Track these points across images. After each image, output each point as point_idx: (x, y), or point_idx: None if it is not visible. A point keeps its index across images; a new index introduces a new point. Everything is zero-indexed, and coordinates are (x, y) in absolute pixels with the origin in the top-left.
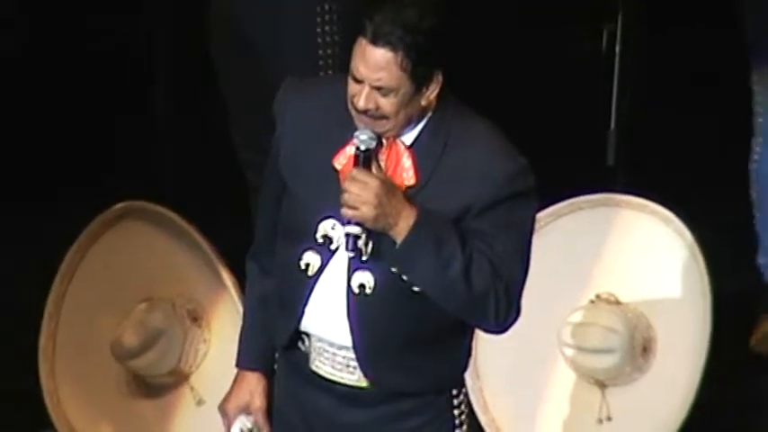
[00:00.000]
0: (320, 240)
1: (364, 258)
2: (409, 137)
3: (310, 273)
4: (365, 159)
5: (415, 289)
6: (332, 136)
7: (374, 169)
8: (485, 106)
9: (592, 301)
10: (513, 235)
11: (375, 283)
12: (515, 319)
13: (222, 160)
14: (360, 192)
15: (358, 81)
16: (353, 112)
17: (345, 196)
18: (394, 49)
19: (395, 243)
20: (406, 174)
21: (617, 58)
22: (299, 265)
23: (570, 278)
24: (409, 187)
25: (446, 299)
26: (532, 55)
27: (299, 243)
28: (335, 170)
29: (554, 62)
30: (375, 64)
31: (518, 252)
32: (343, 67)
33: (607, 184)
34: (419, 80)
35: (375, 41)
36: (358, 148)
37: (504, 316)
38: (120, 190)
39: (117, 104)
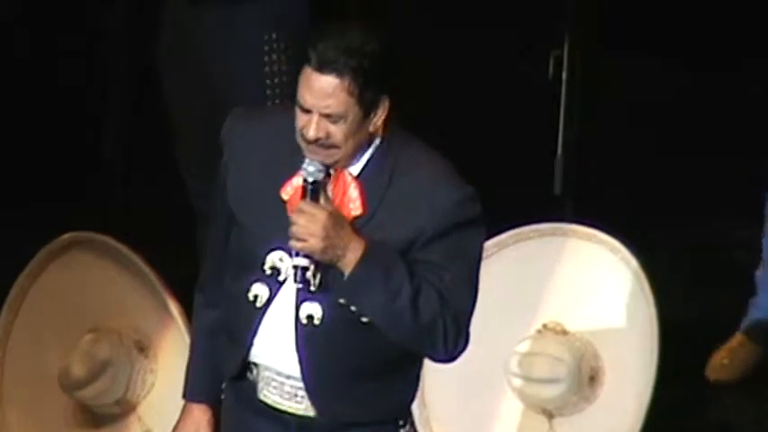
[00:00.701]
0: (268, 272)
1: (312, 290)
2: (356, 167)
3: (258, 304)
4: (313, 191)
5: (364, 320)
6: (279, 166)
7: (322, 201)
8: (429, 132)
9: (539, 331)
10: (461, 264)
11: (323, 315)
12: (464, 348)
13: (170, 189)
14: (307, 224)
15: (306, 111)
16: (302, 143)
17: (293, 228)
18: (340, 74)
19: (343, 275)
20: (354, 204)
21: (563, 84)
22: (248, 297)
23: (517, 307)
24: (356, 218)
25: (394, 329)
26: (477, 80)
27: (248, 274)
28: (283, 201)
29: (500, 87)
30: (322, 91)
31: (466, 281)
32: (290, 96)
33: (554, 213)
34: (367, 105)
35: (320, 68)
36: (306, 180)
37: (452, 345)
38: (64, 218)
39: (61, 126)
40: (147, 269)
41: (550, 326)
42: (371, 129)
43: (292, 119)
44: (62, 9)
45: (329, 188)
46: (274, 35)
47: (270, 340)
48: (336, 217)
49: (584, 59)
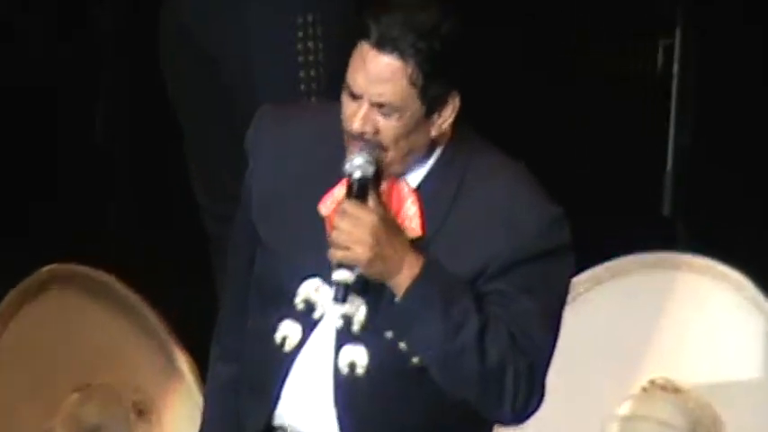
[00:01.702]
0: (301, 307)
1: (355, 328)
2: (415, 177)
3: (288, 348)
4: (360, 189)
5: (415, 361)
6: (317, 176)
7: (371, 202)
8: (511, 141)
9: (644, 388)
10: (540, 301)
11: (369, 361)
12: (537, 407)
13: (175, 209)
14: (352, 228)
15: (355, 97)
16: (347, 138)
17: (334, 234)
18: (403, 56)
19: (392, 299)
20: (410, 222)
21: (674, 79)
22: (275, 339)
23: (617, 359)
24: (413, 240)
25: (452, 375)
26: (563, 77)
27: (275, 310)
28: (322, 217)
29: (594, 86)
30: (378, 74)
31: (545, 322)
32: (329, 93)
33: (662, 240)
34: (431, 101)
35: (380, 46)
36: (351, 175)
37: (523, 401)
38: (42, 250)
39: (42, 133)
40: (147, 311)
41: (658, 382)
42: (434, 133)
43: (334, 117)
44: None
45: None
46: (310, 17)
47: (301, 394)
48: (389, 223)
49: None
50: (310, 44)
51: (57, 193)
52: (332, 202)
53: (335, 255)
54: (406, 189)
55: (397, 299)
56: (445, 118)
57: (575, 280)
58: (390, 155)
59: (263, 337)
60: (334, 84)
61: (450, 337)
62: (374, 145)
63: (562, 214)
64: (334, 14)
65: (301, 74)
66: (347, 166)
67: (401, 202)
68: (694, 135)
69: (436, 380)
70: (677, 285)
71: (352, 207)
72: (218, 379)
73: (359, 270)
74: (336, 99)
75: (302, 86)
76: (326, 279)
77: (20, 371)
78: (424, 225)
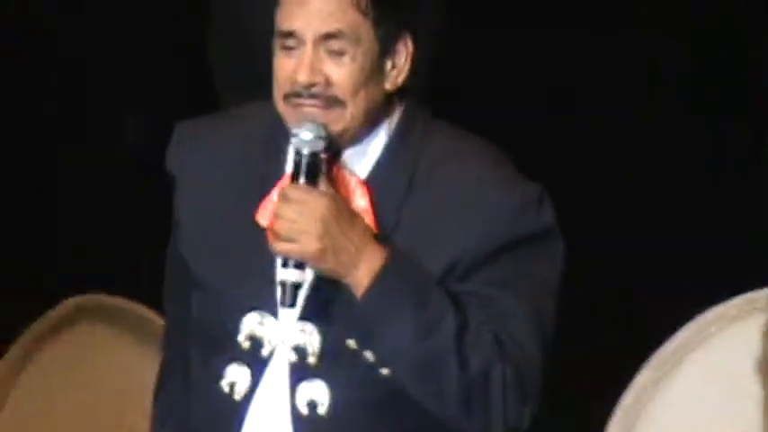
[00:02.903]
0: (246, 345)
1: (311, 360)
2: (363, 166)
3: (238, 396)
4: (310, 168)
5: (384, 373)
6: (251, 188)
7: (322, 185)
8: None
9: None
10: (525, 297)
11: (331, 398)
12: (533, 417)
13: None
14: (297, 216)
15: (291, 48)
16: (287, 110)
17: (277, 224)
18: None
19: (350, 300)
20: None
21: None
22: (222, 387)
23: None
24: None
25: (429, 386)
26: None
27: (218, 354)
28: (262, 236)
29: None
30: (320, 7)
31: (533, 321)
32: None
33: None
34: (384, 38)
35: None
36: (298, 153)
37: (514, 412)
38: (70, 279)
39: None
40: None
41: None
42: (389, 86)
43: (262, 116)
44: None
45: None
46: None
47: None
48: (342, 209)
49: None
50: None
51: (87, 218)
52: (270, 208)
53: (280, 247)
54: (353, 181)
55: (359, 298)
56: (400, 68)
57: (670, 345)
58: (349, 113)
59: (209, 388)
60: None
61: (424, 341)
62: (328, 103)
63: (538, 193)
64: None
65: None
66: (293, 142)
67: (348, 195)
68: None
69: (411, 394)
70: None
71: (296, 191)
72: None
73: (310, 267)
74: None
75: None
76: (272, 309)
77: (42, 414)
78: (376, 222)
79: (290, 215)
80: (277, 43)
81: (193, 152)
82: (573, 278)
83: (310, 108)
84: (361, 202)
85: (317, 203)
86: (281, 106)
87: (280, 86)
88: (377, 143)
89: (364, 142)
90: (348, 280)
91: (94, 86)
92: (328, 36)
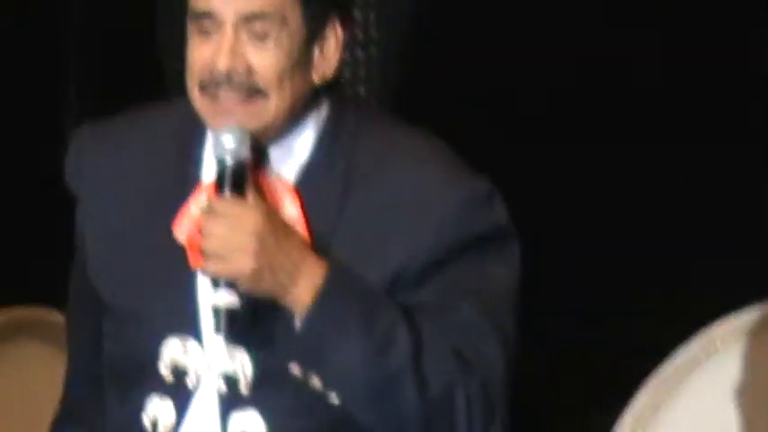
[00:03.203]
0: (168, 377)
1: (243, 392)
2: (290, 168)
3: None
4: (235, 179)
5: (335, 402)
6: (161, 196)
7: (250, 197)
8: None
9: None
10: (481, 303)
11: (268, 429)
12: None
13: None
14: (228, 232)
15: (207, 31)
16: (204, 104)
17: (206, 242)
18: None
19: (287, 321)
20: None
21: None
22: (143, 425)
23: None
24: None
25: (385, 413)
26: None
27: (136, 388)
28: (179, 250)
29: None
30: None
31: (493, 327)
32: (384, 80)
33: None
34: (312, 20)
35: None
36: (221, 162)
37: (482, 427)
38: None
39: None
40: None
41: None
42: (316, 78)
43: (174, 115)
44: None
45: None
46: None
47: None
48: (276, 220)
49: None
50: (358, 14)
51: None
52: (189, 221)
53: (209, 269)
54: (280, 187)
55: (300, 319)
56: (328, 58)
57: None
58: (273, 104)
59: (129, 426)
60: (389, 69)
61: (377, 363)
62: (249, 95)
63: (487, 190)
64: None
65: (345, 55)
66: (214, 149)
67: (276, 203)
68: None
69: (361, 421)
70: None
71: (224, 204)
72: None
73: (242, 289)
74: (393, 89)
75: (346, 73)
76: (195, 333)
77: None
78: (310, 232)
79: (219, 231)
80: (191, 27)
81: (94, 160)
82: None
83: (229, 99)
84: (291, 210)
85: (249, 217)
86: (196, 99)
87: (194, 76)
88: (304, 141)
89: (289, 140)
90: (286, 300)
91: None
92: (251, 17)
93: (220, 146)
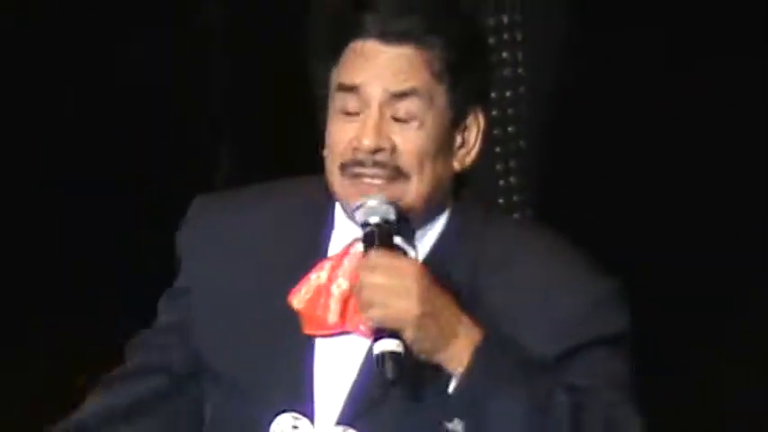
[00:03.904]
0: None
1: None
2: (421, 246)
3: None
4: (384, 236)
5: None
6: (277, 271)
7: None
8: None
9: None
10: (619, 388)
11: None
12: None
13: None
14: (390, 280)
15: (352, 113)
16: (344, 184)
17: (366, 292)
18: (420, 42)
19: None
20: None
21: None
22: None
23: None
24: None
25: None
26: None
27: None
28: (294, 325)
29: None
30: (389, 65)
31: (636, 410)
32: (532, 118)
33: None
34: (457, 107)
35: (385, 38)
36: (367, 225)
37: None
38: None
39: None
40: None
41: None
42: (457, 165)
43: (293, 195)
44: None
45: None
46: (505, 19)
47: None
48: (430, 274)
49: None
50: (506, 54)
51: None
52: (307, 291)
53: (374, 315)
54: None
55: (457, 374)
56: (469, 147)
57: None
58: (414, 188)
59: None
60: (537, 105)
61: (539, 417)
62: (391, 175)
63: (615, 289)
64: (540, 15)
65: (493, 94)
66: (358, 215)
67: None
68: None
69: None
70: None
71: (383, 256)
72: None
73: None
74: (542, 127)
75: (494, 111)
76: (307, 410)
77: None
78: None
79: (380, 281)
80: (335, 103)
81: (209, 233)
82: None
83: (372, 180)
84: None
85: (408, 266)
86: (335, 179)
87: (336, 155)
88: (436, 225)
89: (423, 222)
90: (444, 355)
91: None
92: (400, 95)
93: (365, 208)
